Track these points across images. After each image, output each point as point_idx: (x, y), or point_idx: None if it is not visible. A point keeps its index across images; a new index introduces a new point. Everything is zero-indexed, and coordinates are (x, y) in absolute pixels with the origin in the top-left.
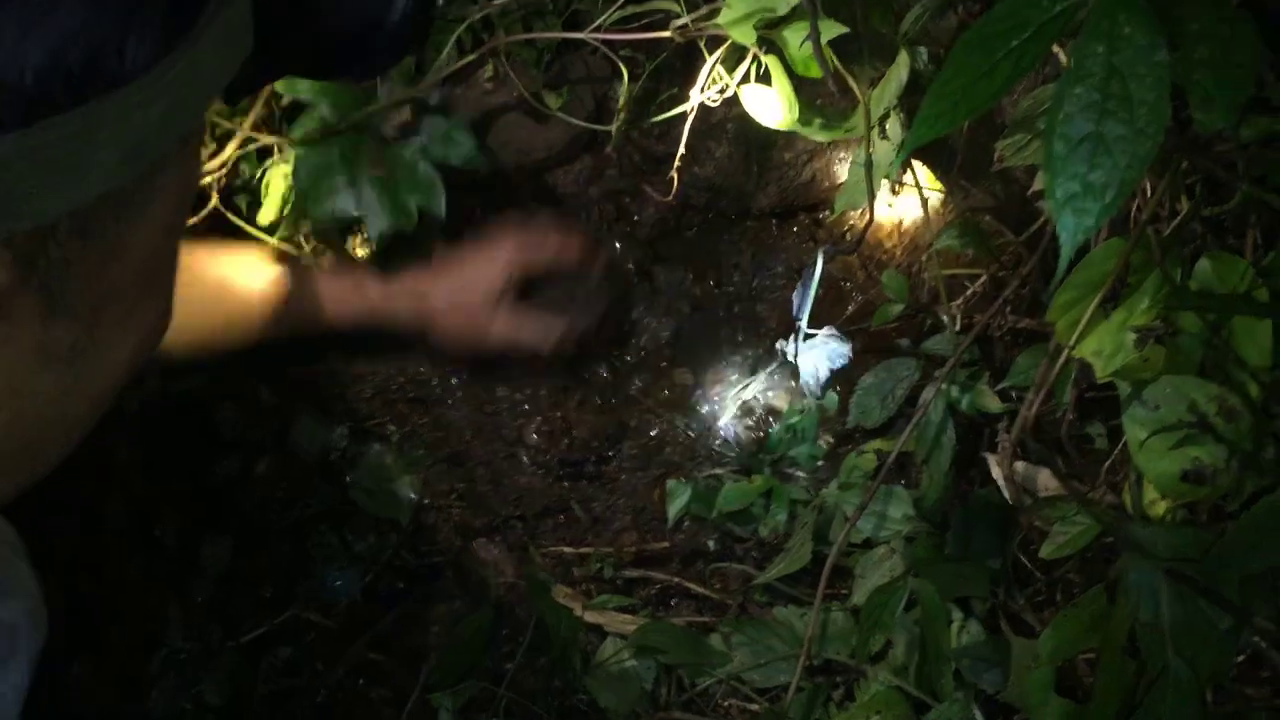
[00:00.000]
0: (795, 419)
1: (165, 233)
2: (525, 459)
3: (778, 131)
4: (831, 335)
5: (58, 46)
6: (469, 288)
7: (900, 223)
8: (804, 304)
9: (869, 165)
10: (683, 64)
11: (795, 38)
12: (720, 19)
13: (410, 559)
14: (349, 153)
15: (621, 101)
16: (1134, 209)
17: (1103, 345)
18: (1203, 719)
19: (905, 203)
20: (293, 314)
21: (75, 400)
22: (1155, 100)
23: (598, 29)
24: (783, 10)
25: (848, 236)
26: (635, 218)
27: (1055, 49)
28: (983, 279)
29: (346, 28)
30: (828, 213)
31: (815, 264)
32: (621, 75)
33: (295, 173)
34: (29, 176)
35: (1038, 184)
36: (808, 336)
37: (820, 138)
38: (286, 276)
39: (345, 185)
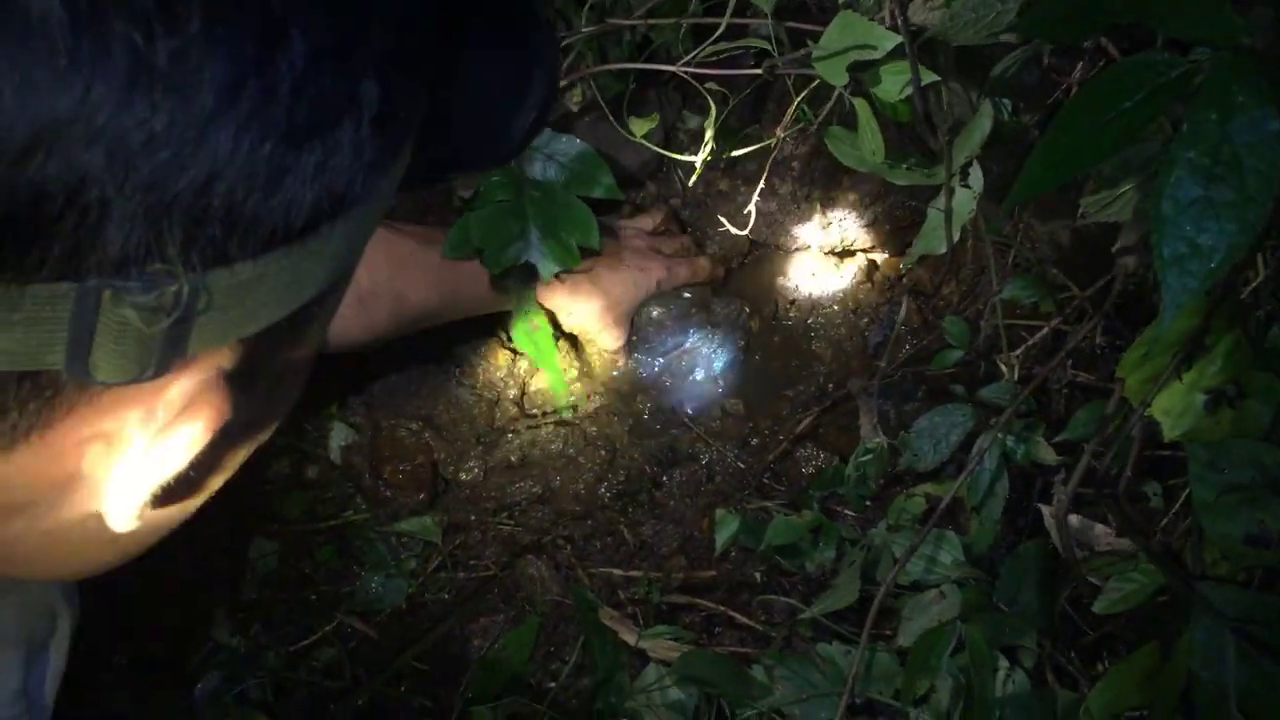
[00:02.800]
0: (865, 458)
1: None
2: (576, 480)
3: (844, 172)
4: (907, 379)
5: (311, 186)
6: (615, 304)
7: (961, 268)
8: (883, 346)
9: (949, 213)
10: (757, 100)
11: (888, 81)
12: (814, 59)
13: (456, 572)
14: (513, 201)
15: (709, 134)
16: None
17: (1172, 405)
18: None
19: (970, 248)
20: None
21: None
22: (1266, 168)
23: (688, 63)
24: (877, 55)
25: (903, 279)
26: (706, 248)
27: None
28: (1044, 330)
29: (476, 139)
30: (891, 257)
31: (900, 306)
32: (701, 107)
33: (468, 232)
34: (262, 294)
35: (1123, 239)
36: (885, 379)
37: (902, 181)
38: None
39: (517, 235)
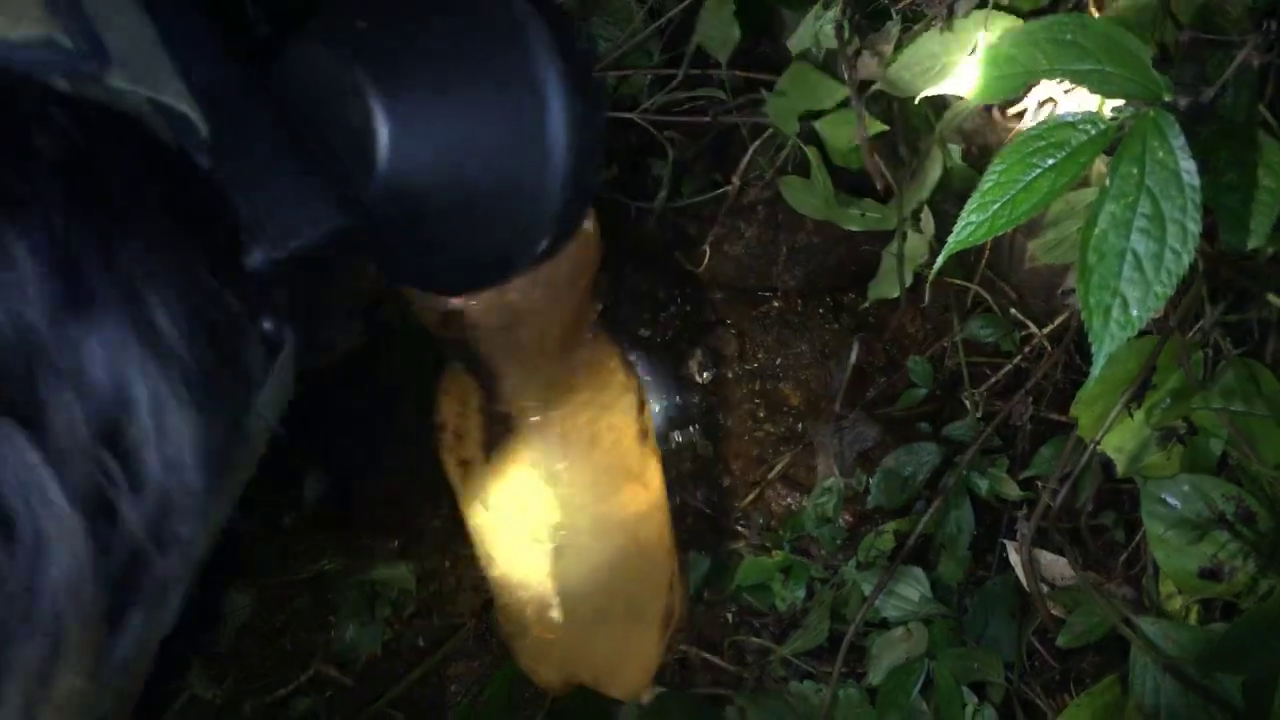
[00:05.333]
0: (822, 498)
1: None
2: None
3: (806, 216)
4: (860, 419)
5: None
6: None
7: (924, 309)
8: (838, 388)
9: (901, 257)
10: (719, 147)
11: (836, 130)
12: (767, 109)
13: (431, 619)
14: None
15: (665, 178)
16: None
17: (1124, 442)
18: None
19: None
20: None
21: None
22: (1185, 221)
23: (646, 110)
24: (827, 105)
25: (870, 319)
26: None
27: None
28: (1006, 369)
29: (480, 259)
30: (857, 298)
31: (851, 350)
32: (662, 154)
33: None
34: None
35: (1068, 282)
36: (839, 419)
37: (855, 227)
38: None
39: None
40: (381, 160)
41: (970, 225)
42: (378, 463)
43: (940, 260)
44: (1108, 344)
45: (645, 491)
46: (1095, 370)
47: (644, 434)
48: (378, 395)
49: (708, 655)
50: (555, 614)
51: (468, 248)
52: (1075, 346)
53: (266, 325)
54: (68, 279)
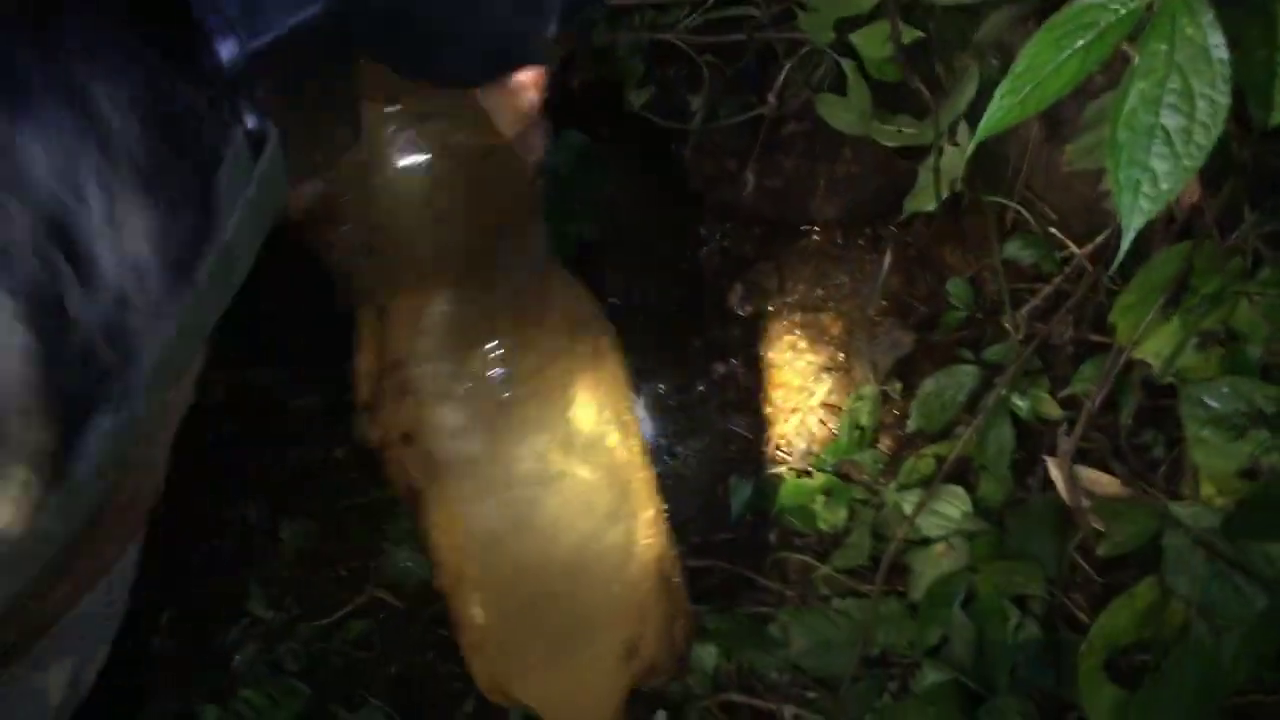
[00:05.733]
0: (857, 404)
1: None
2: None
3: (846, 143)
4: (895, 325)
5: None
6: None
7: (964, 232)
8: (872, 295)
9: (938, 170)
10: (756, 71)
11: (872, 39)
12: (801, 21)
13: None
14: None
15: (703, 99)
16: (1197, 217)
17: (1162, 347)
18: (1221, 689)
19: (970, 213)
20: None
21: None
22: (1214, 95)
23: (680, 30)
24: (864, 7)
25: (910, 248)
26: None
27: (1125, 46)
28: (1046, 290)
29: (487, 37)
30: (896, 229)
31: (885, 258)
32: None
33: None
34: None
35: (1104, 184)
36: (873, 324)
37: (891, 143)
38: None
39: None
40: None
41: (1003, 107)
42: None
43: (974, 141)
44: (1137, 218)
45: (617, 488)
46: (1125, 243)
47: (626, 426)
48: None
49: (751, 575)
50: (476, 615)
51: (472, 24)
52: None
53: (249, 121)
54: None
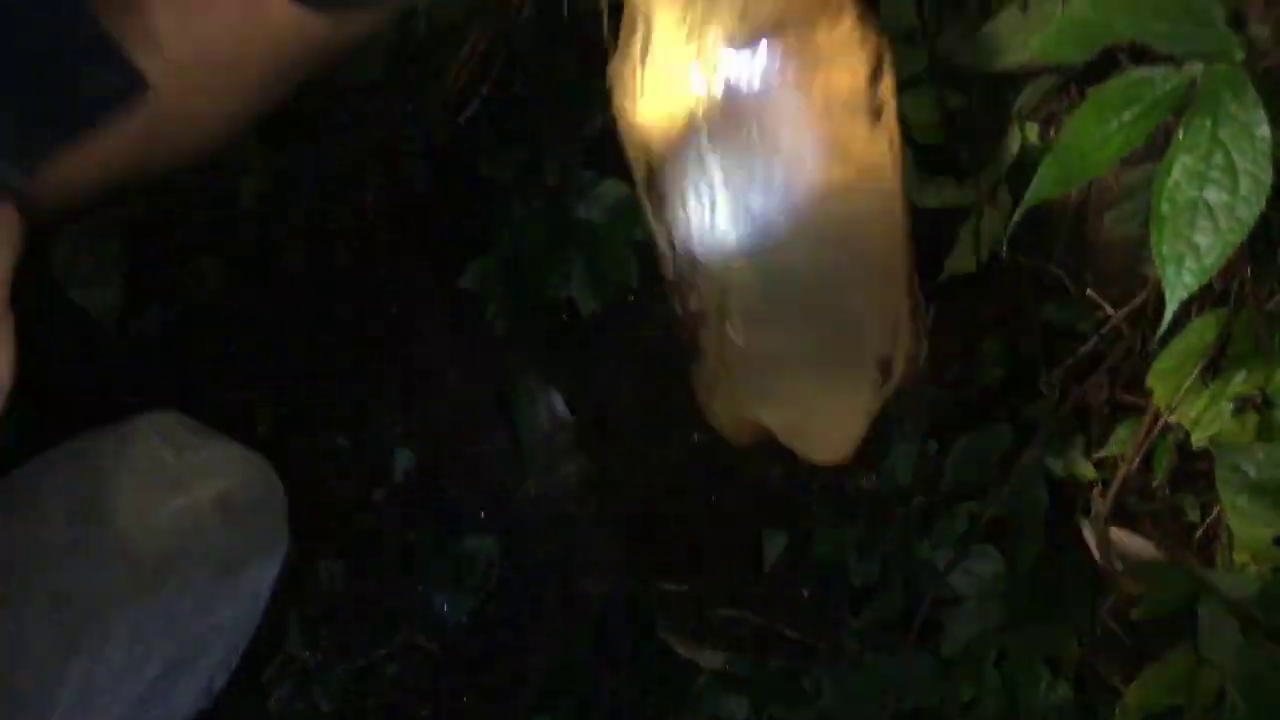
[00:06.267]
0: (890, 463)
1: None
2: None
3: None
4: (930, 387)
5: None
6: None
7: (1001, 291)
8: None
9: (978, 233)
10: None
11: (916, 104)
12: None
13: (517, 588)
14: (554, 239)
15: None
16: (1236, 283)
17: (1199, 413)
18: None
19: (1007, 272)
20: None
21: None
22: (1257, 171)
23: None
24: (905, 76)
25: (946, 300)
26: None
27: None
28: (1082, 350)
29: None
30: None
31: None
32: None
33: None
34: None
35: (1144, 250)
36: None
37: (932, 204)
38: None
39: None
40: None
41: (1049, 178)
42: (467, 436)
43: (1018, 214)
44: (1180, 291)
45: (872, 187)
46: (1167, 317)
47: (876, 111)
48: (469, 368)
49: (783, 627)
50: (733, 333)
51: None
52: (1150, 329)
53: None
54: None
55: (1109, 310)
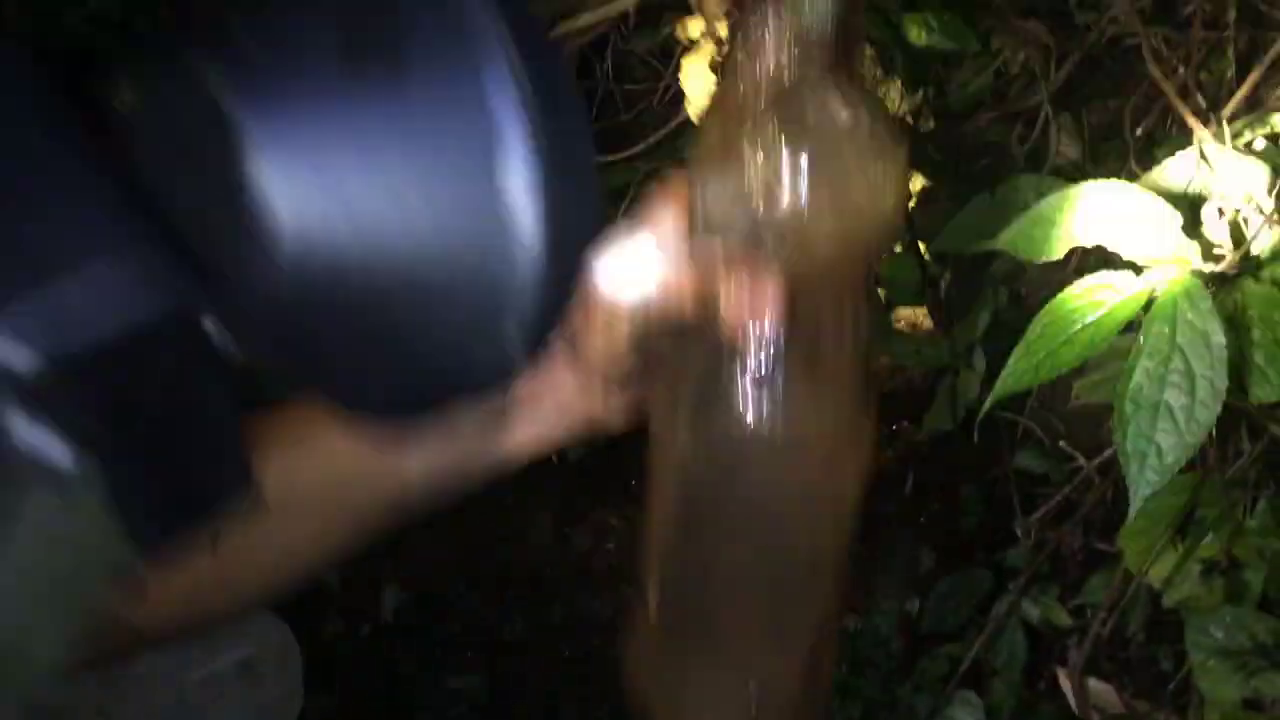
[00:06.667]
0: (876, 619)
1: None
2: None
3: None
4: (912, 544)
5: None
6: None
7: (978, 441)
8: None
9: (954, 392)
10: None
11: (900, 268)
12: None
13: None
14: None
15: None
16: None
17: (1169, 573)
18: None
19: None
20: None
21: None
22: (1213, 377)
23: None
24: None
25: (924, 449)
26: None
27: None
28: (1056, 499)
29: (424, 373)
30: (911, 427)
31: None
32: None
33: None
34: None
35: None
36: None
37: (911, 363)
38: None
39: None
40: (268, 227)
41: (1017, 372)
42: (456, 575)
43: (989, 402)
44: (1143, 488)
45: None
46: (1132, 513)
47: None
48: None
49: None
50: (651, 605)
51: (411, 350)
52: (1121, 480)
53: (52, 452)
54: None
55: (1081, 460)
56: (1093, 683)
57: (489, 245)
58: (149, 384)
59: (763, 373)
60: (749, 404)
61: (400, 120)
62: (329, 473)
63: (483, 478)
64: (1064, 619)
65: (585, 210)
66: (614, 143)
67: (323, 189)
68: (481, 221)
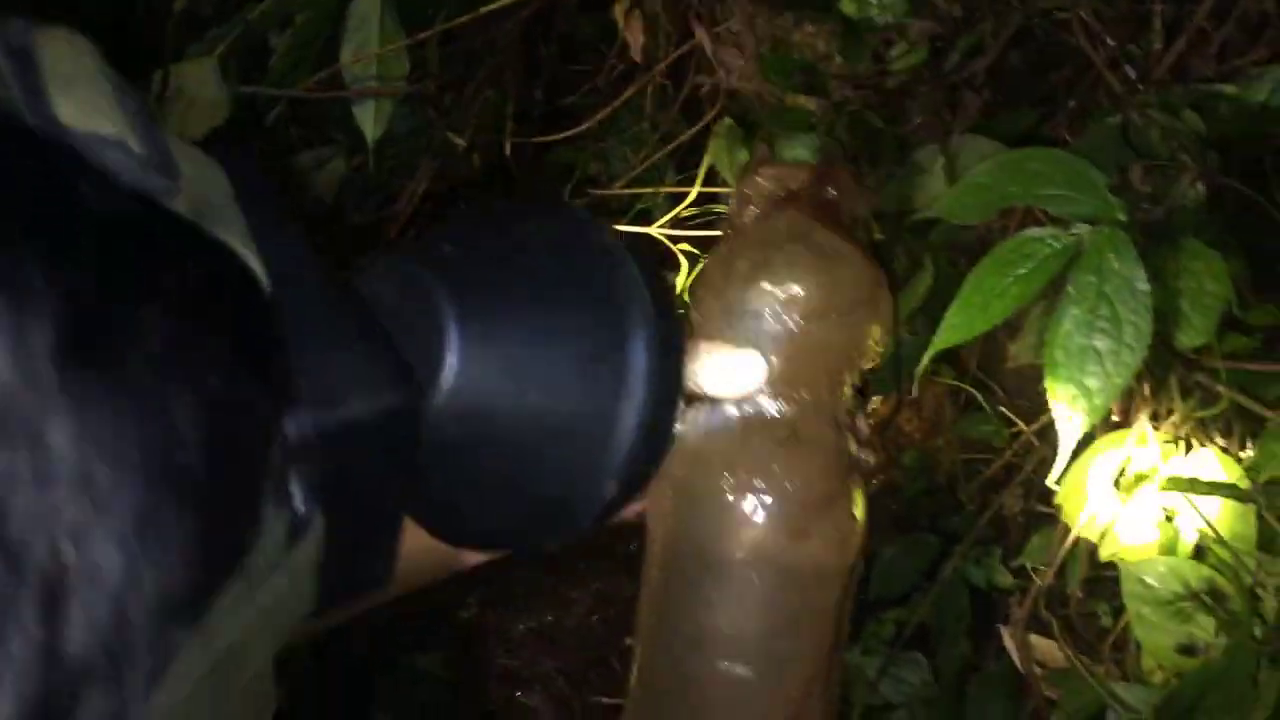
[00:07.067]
0: None
1: None
2: (569, 614)
3: None
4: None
5: None
6: None
7: (921, 408)
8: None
9: (898, 359)
10: None
11: None
12: None
13: (461, 704)
14: None
15: (679, 289)
16: (1133, 407)
17: (1105, 528)
18: None
19: (925, 389)
20: None
21: None
22: (1138, 321)
23: (661, 225)
24: None
25: (870, 418)
26: None
27: None
28: (997, 464)
29: (534, 505)
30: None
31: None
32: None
33: None
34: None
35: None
36: None
37: None
38: None
39: None
40: (447, 377)
41: (952, 326)
42: None
43: (927, 358)
44: (1074, 430)
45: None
46: (1064, 453)
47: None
48: None
49: None
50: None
51: (524, 489)
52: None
53: (297, 502)
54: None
55: (1021, 425)
56: (1035, 639)
57: (606, 410)
58: (363, 465)
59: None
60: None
61: (559, 322)
62: None
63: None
64: (1007, 580)
65: (674, 397)
66: (560, 123)
67: (487, 357)
68: (604, 394)
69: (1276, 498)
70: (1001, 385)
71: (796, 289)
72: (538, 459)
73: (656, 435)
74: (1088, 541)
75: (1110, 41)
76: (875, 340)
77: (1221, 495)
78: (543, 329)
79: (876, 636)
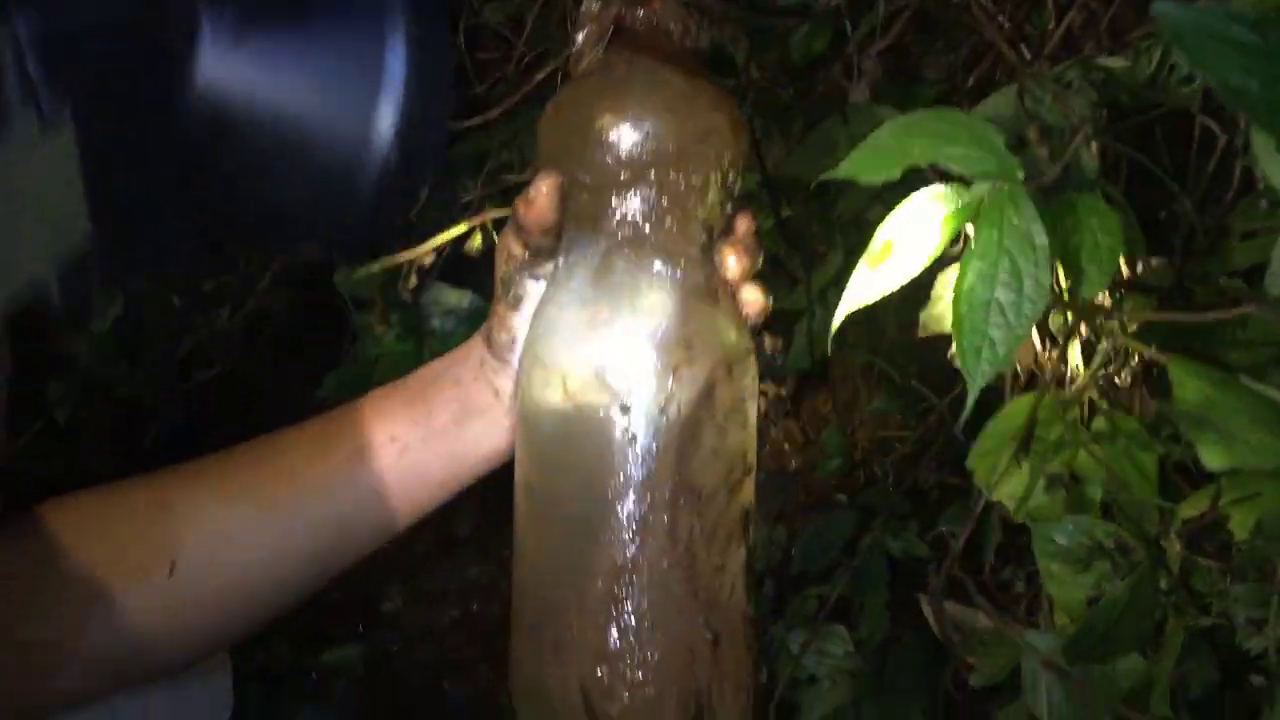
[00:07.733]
0: None
1: None
2: (492, 603)
3: None
4: (778, 479)
5: None
6: None
7: (835, 385)
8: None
9: (811, 332)
10: None
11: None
12: None
13: (381, 697)
14: (414, 352)
15: None
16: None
17: (1015, 490)
18: None
19: (839, 366)
20: None
21: None
22: (1038, 274)
23: None
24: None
25: (786, 401)
26: None
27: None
28: (911, 439)
29: (301, 198)
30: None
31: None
32: None
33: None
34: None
35: (954, 348)
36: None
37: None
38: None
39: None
40: (198, 69)
41: (859, 286)
42: None
43: (837, 320)
44: (980, 379)
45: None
46: (970, 401)
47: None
48: None
49: None
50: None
51: (280, 184)
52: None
53: (42, 97)
54: None
55: (933, 399)
56: (951, 606)
57: (361, 109)
58: (115, 83)
59: None
60: None
61: (314, 26)
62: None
63: (469, 480)
64: (923, 550)
65: (441, 101)
66: (469, 112)
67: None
68: (362, 89)
69: (1176, 448)
70: (913, 360)
71: (648, 125)
72: (302, 155)
73: (421, 132)
74: (1001, 507)
75: (1006, 24)
76: (731, 163)
77: (1125, 450)
78: (300, 32)
79: (799, 612)
